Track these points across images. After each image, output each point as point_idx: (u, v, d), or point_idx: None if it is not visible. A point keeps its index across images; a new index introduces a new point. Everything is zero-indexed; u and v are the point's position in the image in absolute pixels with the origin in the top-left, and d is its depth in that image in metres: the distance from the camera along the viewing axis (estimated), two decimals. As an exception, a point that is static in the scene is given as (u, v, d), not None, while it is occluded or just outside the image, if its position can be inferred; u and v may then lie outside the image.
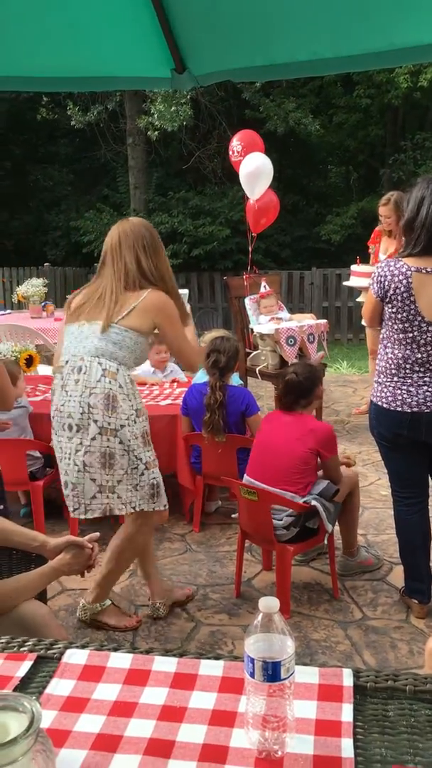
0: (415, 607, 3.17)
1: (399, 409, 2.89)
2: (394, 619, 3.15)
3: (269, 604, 1.14)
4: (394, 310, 2.83)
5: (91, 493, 2.77)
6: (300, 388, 3.28)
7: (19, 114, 17.09)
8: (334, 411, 6.55)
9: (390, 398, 2.91)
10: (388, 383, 2.92)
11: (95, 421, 2.69)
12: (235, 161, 6.53)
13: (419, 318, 2.79)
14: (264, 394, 6.95)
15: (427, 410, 2.85)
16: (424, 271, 2.77)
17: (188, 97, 11.24)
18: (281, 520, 3.12)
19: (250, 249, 6.68)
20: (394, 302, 2.82)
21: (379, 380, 2.97)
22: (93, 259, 14.82)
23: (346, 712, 1.25)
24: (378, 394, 2.97)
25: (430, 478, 3.14)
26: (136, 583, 3.49)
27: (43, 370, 5.59)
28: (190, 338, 2.92)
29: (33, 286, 6.58)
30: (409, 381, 2.87)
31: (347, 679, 1.32)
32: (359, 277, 6.08)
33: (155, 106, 11.15)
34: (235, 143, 6.51)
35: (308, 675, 1.34)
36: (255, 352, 5.78)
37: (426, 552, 3.18)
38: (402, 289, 2.78)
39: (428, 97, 14.58)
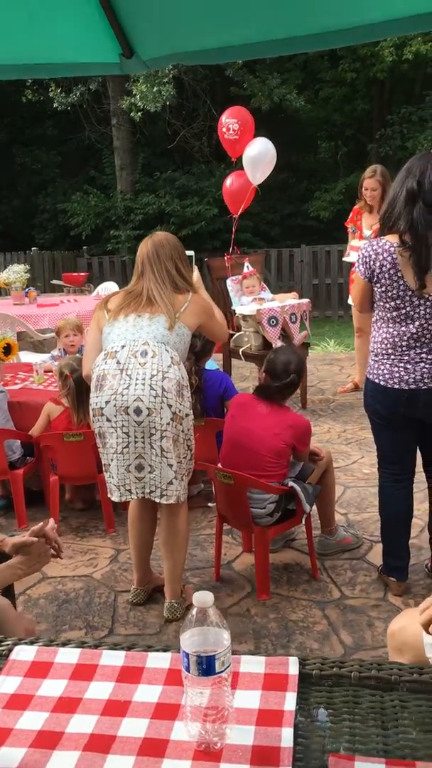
0: (392, 585, 3.19)
1: (397, 386, 2.89)
2: (372, 597, 3.17)
3: (203, 598, 1.14)
4: (383, 288, 2.83)
5: (168, 479, 2.84)
6: (291, 385, 3.27)
7: (4, 97, 16.88)
8: (319, 390, 6.54)
9: (387, 376, 2.91)
10: (385, 361, 2.92)
11: (169, 406, 2.77)
12: (229, 139, 6.41)
13: (409, 292, 2.79)
14: (249, 375, 6.95)
15: (425, 387, 2.86)
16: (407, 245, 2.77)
17: (171, 76, 11.10)
18: (264, 508, 3.13)
19: (233, 231, 6.63)
20: (383, 280, 2.82)
21: (376, 358, 2.97)
22: (81, 242, 14.75)
23: (289, 701, 1.25)
24: (375, 372, 2.97)
25: (418, 456, 3.14)
26: (116, 569, 3.51)
27: (26, 357, 5.58)
28: (218, 315, 3.16)
29: (14, 273, 6.55)
30: (406, 358, 2.87)
31: (293, 668, 1.33)
32: (354, 251, 6.03)
33: (137, 86, 11.02)
34: (230, 120, 6.38)
35: (255, 665, 1.35)
36: (238, 334, 5.77)
37: (407, 529, 3.20)
38: (388, 266, 2.79)
39: (415, 70, 14.45)
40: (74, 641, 1.43)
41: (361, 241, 5.90)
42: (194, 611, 1.15)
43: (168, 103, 11.53)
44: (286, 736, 1.17)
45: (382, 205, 5.74)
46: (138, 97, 11.16)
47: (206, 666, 1.12)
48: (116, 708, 1.24)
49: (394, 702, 1.25)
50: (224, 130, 6.25)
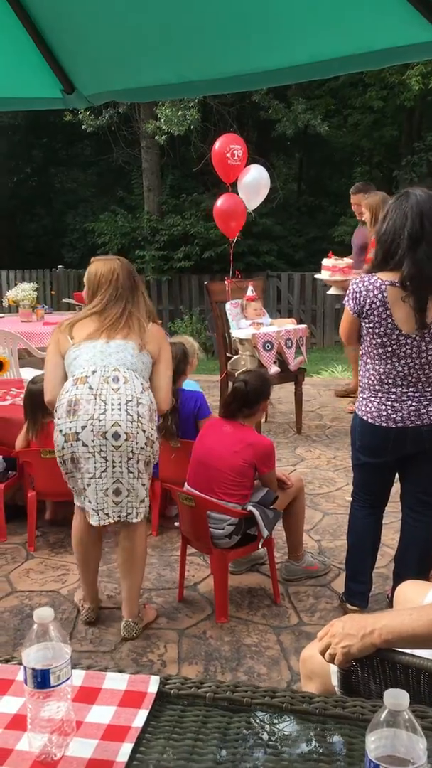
0: (350, 613, 3.19)
1: (384, 424, 2.90)
2: (329, 625, 3.17)
3: (42, 614, 1.20)
4: (371, 325, 2.83)
5: (141, 497, 2.97)
6: (245, 398, 3.31)
7: (40, 117, 17.32)
8: (318, 415, 6.55)
9: (375, 413, 2.93)
10: (373, 398, 2.94)
11: (143, 431, 2.87)
12: (232, 164, 6.48)
13: (397, 331, 2.79)
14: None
15: (412, 425, 2.88)
16: (397, 284, 2.76)
17: (196, 101, 11.29)
18: (223, 529, 3.17)
19: (230, 253, 6.73)
20: (371, 317, 2.81)
21: (364, 395, 3.00)
22: (107, 261, 15.01)
23: (139, 718, 1.30)
24: (363, 408, 2.99)
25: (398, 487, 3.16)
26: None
27: (27, 374, 5.70)
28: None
29: (23, 291, 6.72)
30: (393, 396, 2.89)
31: (152, 686, 1.38)
32: (325, 270, 6.12)
33: (162, 110, 11.24)
34: (235, 146, 6.47)
35: (117, 681, 1.40)
36: (235, 357, 5.83)
37: (372, 557, 3.22)
38: (378, 303, 2.78)
39: (447, 98, 14.44)
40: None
41: (332, 261, 5.96)
42: (34, 627, 1.21)
43: (192, 127, 11.70)
44: (124, 751, 1.22)
45: (370, 222, 5.83)
46: (162, 120, 11.38)
47: (41, 680, 1.18)
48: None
49: (240, 723, 1.29)
50: (228, 155, 6.31)
